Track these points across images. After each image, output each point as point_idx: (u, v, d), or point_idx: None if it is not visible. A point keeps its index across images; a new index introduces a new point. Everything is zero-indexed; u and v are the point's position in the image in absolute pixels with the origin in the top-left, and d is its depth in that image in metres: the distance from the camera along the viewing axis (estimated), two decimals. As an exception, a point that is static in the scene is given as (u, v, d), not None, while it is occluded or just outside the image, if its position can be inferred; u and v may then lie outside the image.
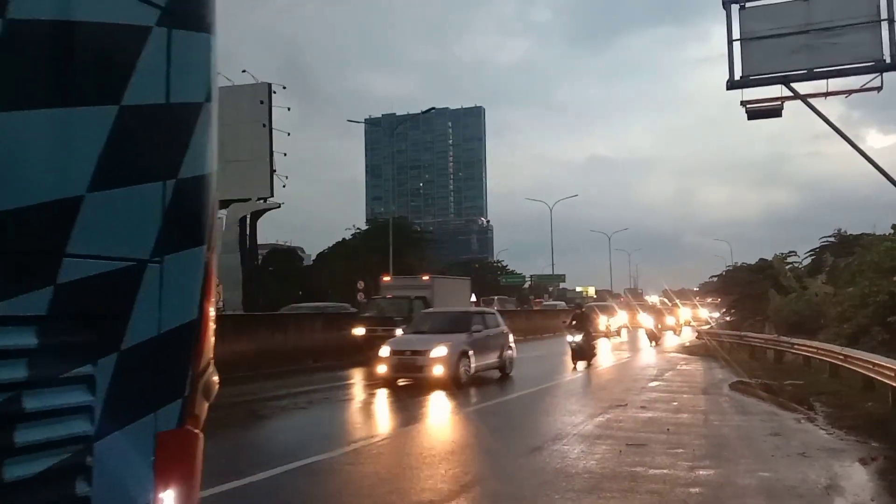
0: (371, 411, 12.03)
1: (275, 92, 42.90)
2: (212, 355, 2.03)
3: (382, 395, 13.26)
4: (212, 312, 2.01)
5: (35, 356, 1.58)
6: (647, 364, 20.84)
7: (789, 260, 31.01)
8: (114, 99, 1.68)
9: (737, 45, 16.49)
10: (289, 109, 45.06)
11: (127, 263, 1.72)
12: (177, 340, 1.84)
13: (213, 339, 2.03)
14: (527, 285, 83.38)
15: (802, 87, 16.44)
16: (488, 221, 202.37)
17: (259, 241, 49.69)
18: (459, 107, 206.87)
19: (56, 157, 1.57)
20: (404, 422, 10.51)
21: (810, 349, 16.41)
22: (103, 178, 1.64)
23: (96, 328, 1.68)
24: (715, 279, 46.96)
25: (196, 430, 1.94)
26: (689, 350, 25.73)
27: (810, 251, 35.42)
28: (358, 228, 63.09)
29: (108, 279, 1.67)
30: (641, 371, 18.53)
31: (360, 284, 40.30)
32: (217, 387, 2.07)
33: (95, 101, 1.65)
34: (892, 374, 10.23)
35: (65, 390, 1.64)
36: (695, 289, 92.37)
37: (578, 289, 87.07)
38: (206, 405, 2.02)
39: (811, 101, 16.52)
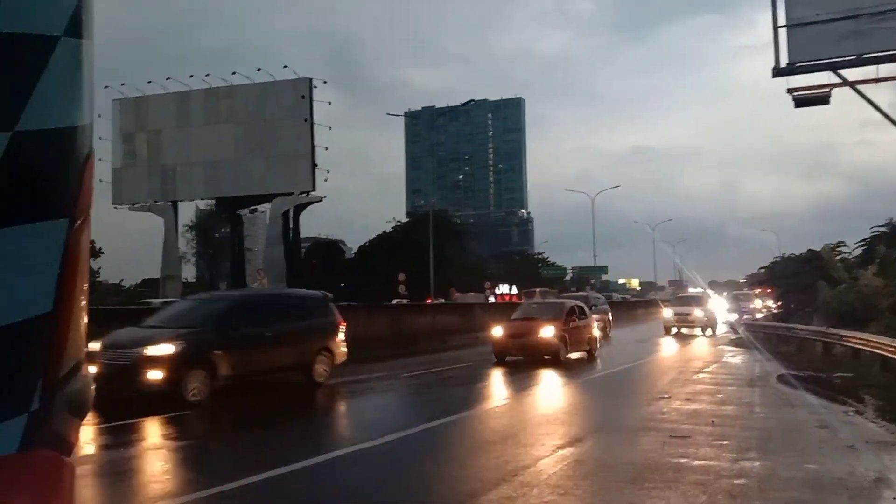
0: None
1: (315, 87, 43.38)
2: (83, 357, 1.54)
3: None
4: (82, 302, 1.54)
5: None
6: (693, 356, 20.61)
7: (839, 250, 30.29)
8: None
9: (782, 32, 16.12)
10: (329, 104, 45.48)
11: None
12: (15, 340, 1.40)
13: (83, 335, 1.55)
14: (568, 277, 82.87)
15: (851, 74, 16.03)
16: (529, 213, 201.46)
17: (302, 235, 50.49)
18: (499, 98, 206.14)
19: None
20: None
21: (860, 341, 16.05)
22: None
23: None
24: (763, 270, 46.08)
25: (58, 455, 1.46)
26: (735, 342, 25.34)
27: (861, 241, 34.51)
28: (398, 221, 63.54)
29: None
30: (686, 363, 18.35)
31: (401, 277, 40.68)
32: (92, 398, 1.56)
33: None
34: (946, 367, 9.97)
35: None
36: (741, 280, 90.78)
37: (621, 281, 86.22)
38: (78, 422, 1.50)
39: (860, 87, 16.09)
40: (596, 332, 19.97)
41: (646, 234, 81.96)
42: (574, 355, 18.18)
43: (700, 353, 21.54)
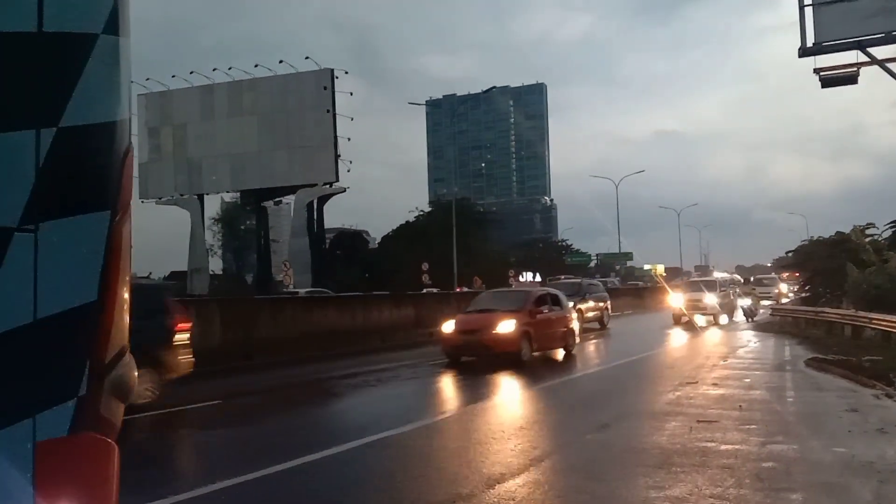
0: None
1: (337, 77, 43.49)
2: (126, 344, 1.68)
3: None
4: (124, 292, 1.67)
5: None
6: (720, 342, 20.47)
7: (868, 232, 29.70)
8: None
9: (808, 11, 15.86)
10: (351, 94, 45.76)
11: None
12: (64, 327, 1.51)
13: (126, 323, 1.68)
14: (593, 264, 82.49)
15: (880, 53, 15.74)
16: (552, 200, 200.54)
17: (326, 226, 50.77)
18: (521, 84, 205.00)
19: None
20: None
21: (890, 324, 15.83)
22: None
23: None
24: (790, 254, 45.37)
25: (104, 438, 1.59)
26: (762, 327, 25.11)
27: (891, 223, 33.85)
28: (421, 210, 63.60)
29: None
30: (714, 348, 18.24)
31: (425, 266, 40.80)
32: (135, 383, 1.71)
33: None
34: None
35: None
36: (768, 264, 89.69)
37: (647, 267, 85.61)
38: (122, 406, 1.66)
39: (890, 66, 15.79)
40: (574, 326, 16.83)
41: (671, 219, 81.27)
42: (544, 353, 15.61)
43: (707, 352, 21.28)
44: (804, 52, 16.02)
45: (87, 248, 1.56)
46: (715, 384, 11.26)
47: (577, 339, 17.00)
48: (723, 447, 6.87)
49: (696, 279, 38.95)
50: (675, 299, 30.54)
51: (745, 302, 32.28)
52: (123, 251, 1.64)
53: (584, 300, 25.10)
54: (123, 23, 1.64)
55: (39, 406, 1.47)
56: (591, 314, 25.61)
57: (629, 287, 59.23)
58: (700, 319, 28.45)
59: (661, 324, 27.54)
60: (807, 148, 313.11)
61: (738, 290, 34.67)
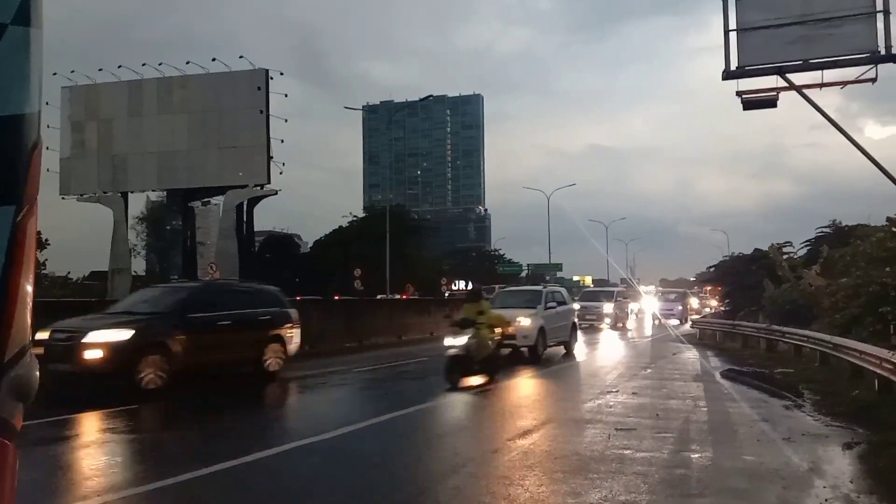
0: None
1: (272, 78, 42.77)
2: (28, 342, 1.60)
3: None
4: (28, 289, 1.60)
5: None
6: (640, 353, 21.01)
7: (785, 250, 31.17)
8: None
9: (733, 36, 16.52)
10: (286, 96, 44.86)
11: None
12: None
13: (27, 322, 1.60)
14: (524, 274, 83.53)
15: (800, 79, 16.51)
16: (486, 210, 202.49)
17: (256, 228, 49.73)
18: (459, 94, 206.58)
19: None
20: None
21: (801, 338, 16.58)
22: None
23: None
24: (712, 269, 47.09)
25: (3, 439, 1.52)
26: (684, 339, 25.92)
27: (806, 241, 35.63)
28: (355, 216, 63.21)
29: None
30: (634, 359, 18.70)
31: (357, 272, 40.50)
32: (37, 383, 1.62)
33: None
34: (878, 363, 10.39)
35: None
36: (691, 278, 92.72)
37: (576, 278, 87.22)
38: (21, 406, 1.58)
39: (807, 92, 16.59)
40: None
41: (600, 231, 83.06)
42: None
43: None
44: (728, 74, 16.66)
45: None
46: (635, 393, 11.54)
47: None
48: (638, 454, 7.03)
49: (593, 289, 43.62)
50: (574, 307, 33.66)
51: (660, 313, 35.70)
52: (28, 247, 1.56)
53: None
54: (35, 13, 1.57)
55: None
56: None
57: None
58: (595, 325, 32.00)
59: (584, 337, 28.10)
60: (732, 166, 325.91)
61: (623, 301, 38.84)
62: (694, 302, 51.76)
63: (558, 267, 67.44)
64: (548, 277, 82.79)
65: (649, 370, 15.41)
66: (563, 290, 20.66)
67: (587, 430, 8.39)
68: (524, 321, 16.50)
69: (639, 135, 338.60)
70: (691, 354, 19.90)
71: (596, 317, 32.78)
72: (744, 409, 10.16)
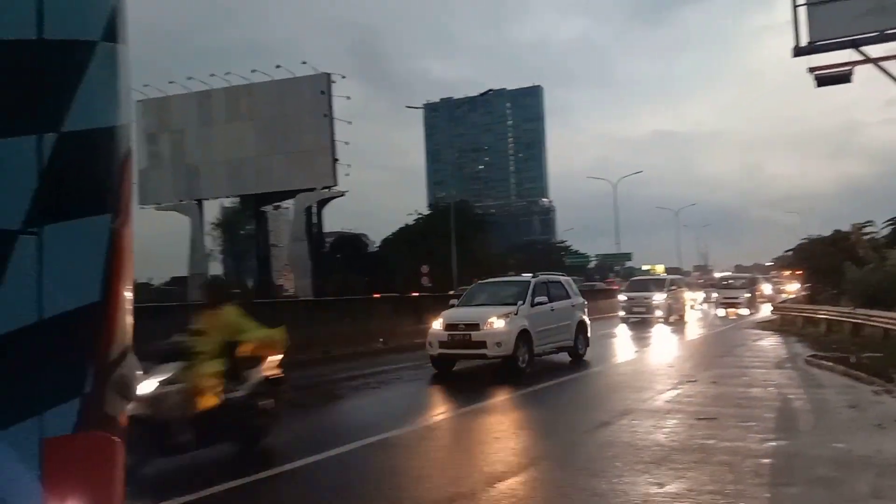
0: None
1: (334, 81, 43.56)
2: (129, 344, 1.72)
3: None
4: (127, 293, 1.70)
5: None
6: (719, 340, 20.54)
7: (866, 230, 29.79)
8: None
9: (802, 11, 15.95)
10: (349, 98, 45.72)
11: None
12: (68, 327, 1.54)
13: (129, 324, 1.71)
14: (592, 264, 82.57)
15: (875, 51, 15.80)
16: (550, 202, 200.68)
17: (326, 230, 50.82)
18: (518, 87, 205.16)
19: None
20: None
21: (889, 321, 15.90)
22: None
23: None
24: (790, 253, 45.34)
25: (108, 435, 1.63)
26: (762, 325, 25.18)
27: (889, 220, 33.93)
28: (420, 214, 63.63)
29: None
30: (712, 347, 18.30)
31: (425, 269, 40.84)
32: (137, 382, 1.75)
33: None
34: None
35: None
36: (768, 263, 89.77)
37: (646, 267, 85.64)
38: (126, 404, 1.70)
39: (884, 64, 15.87)
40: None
41: (669, 219, 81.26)
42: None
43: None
44: (798, 51, 16.10)
45: (89, 250, 1.59)
46: (714, 382, 11.32)
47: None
48: (722, 444, 6.93)
49: (642, 278, 37.49)
50: (621, 298, 30.24)
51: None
52: (125, 253, 1.67)
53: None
54: (121, 30, 1.67)
55: (46, 404, 1.50)
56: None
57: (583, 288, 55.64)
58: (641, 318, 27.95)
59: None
60: (802, 146, 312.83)
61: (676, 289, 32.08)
62: (766, 288, 47.02)
63: (627, 256, 66.38)
64: (617, 268, 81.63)
65: (728, 358, 15.05)
66: (565, 279, 16.36)
67: (666, 420, 8.30)
68: (496, 323, 12.90)
69: (703, 119, 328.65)
70: (772, 341, 19.33)
71: (645, 309, 28.29)
72: (830, 396, 9.84)
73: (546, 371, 13.38)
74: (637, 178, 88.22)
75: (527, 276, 15.56)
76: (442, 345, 13.29)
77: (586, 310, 16.05)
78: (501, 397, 10.80)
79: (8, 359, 1.45)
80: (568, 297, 15.49)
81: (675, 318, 28.91)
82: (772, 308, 30.85)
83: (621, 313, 28.96)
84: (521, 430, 8.51)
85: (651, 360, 16.14)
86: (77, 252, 1.57)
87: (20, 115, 1.48)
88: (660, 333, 22.98)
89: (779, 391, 10.38)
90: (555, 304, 14.49)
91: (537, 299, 14.01)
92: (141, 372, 1.68)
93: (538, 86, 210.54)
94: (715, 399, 9.72)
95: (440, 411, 10.11)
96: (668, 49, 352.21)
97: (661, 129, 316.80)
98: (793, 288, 47.02)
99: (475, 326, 13.05)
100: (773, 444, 6.94)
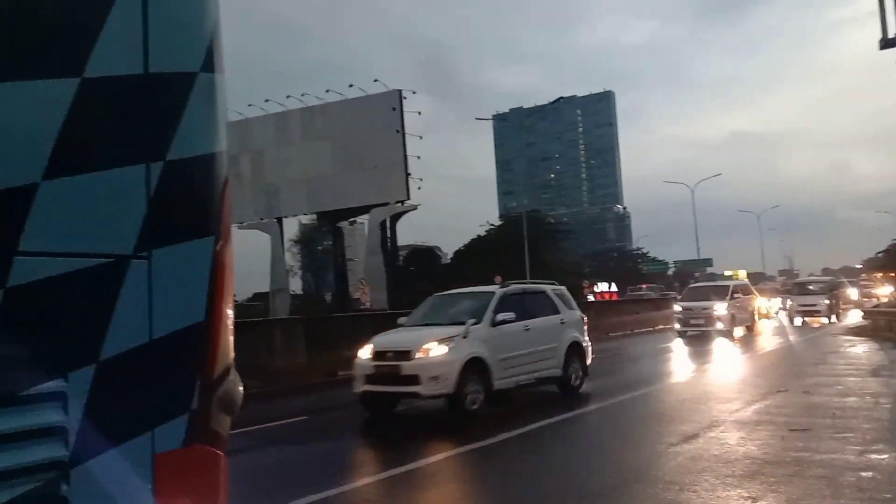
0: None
1: (405, 97, 44.25)
2: (231, 361, 1.78)
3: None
4: (228, 312, 1.76)
5: None
6: (807, 347, 19.73)
7: (968, 228, 28.02)
8: (73, 71, 1.45)
9: (889, 1, 15.28)
10: (419, 113, 46.42)
11: (101, 260, 1.49)
12: (176, 347, 1.60)
13: (231, 342, 1.78)
14: (671, 272, 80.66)
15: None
16: (625, 208, 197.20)
17: (399, 243, 51.48)
18: (588, 94, 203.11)
19: (1, 142, 1.36)
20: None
21: None
22: (63, 163, 1.42)
23: (64, 337, 1.44)
24: (881, 254, 43.04)
25: (214, 450, 1.69)
26: (853, 331, 24.03)
27: None
28: (491, 224, 63.64)
29: (76, 280, 1.45)
30: (801, 355, 17.60)
31: (497, 279, 40.76)
32: (241, 397, 1.81)
33: (49, 73, 1.42)
34: None
35: (26, 410, 1.40)
36: (857, 266, 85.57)
37: (728, 272, 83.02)
38: (229, 419, 1.76)
39: (981, 53, 15.01)
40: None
41: (751, 222, 78.55)
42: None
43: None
44: (886, 43, 15.43)
45: (194, 271, 1.65)
46: (806, 392, 10.91)
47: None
48: (818, 457, 6.69)
49: (701, 284, 31.87)
50: (676, 309, 26.33)
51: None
52: (227, 273, 1.74)
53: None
54: (218, 60, 1.74)
55: (157, 420, 1.56)
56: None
57: (630, 299, 51.68)
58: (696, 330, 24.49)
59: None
60: (891, 143, 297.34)
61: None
62: (852, 293, 42.66)
63: (708, 262, 64.51)
64: (697, 274, 79.52)
65: (820, 367, 14.46)
66: (549, 290, 12.71)
67: (757, 432, 8.06)
68: (434, 350, 9.82)
69: (783, 118, 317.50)
70: (865, 347, 18.43)
71: (704, 321, 24.55)
72: (934, 406, 9.34)
73: (638, 380, 13.14)
74: (715, 180, 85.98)
75: (489, 288, 12.12)
76: (368, 379, 10.16)
77: (584, 328, 12.84)
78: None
79: (122, 378, 1.51)
80: (557, 311, 12.34)
81: (743, 331, 25.64)
82: (862, 313, 29.28)
83: (677, 326, 25.71)
84: (607, 444, 8.41)
85: (748, 365, 15.65)
86: (183, 274, 1.63)
87: (129, 145, 1.55)
88: (722, 347, 20.79)
89: (876, 401, 9.91)
90: (531, 322, 11.43)
91: (501, 316, 10.79)
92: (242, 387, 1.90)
93: (609, 91, 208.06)
94: (808, 409, 9.37)
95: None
96: (742, 47, 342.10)
97: (738, 130, 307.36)
98: (886, 291, 44.27)
99: (406, 355, 9.91)
100: (875, 456, 6.65)
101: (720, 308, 24.70)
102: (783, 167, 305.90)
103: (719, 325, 24.40)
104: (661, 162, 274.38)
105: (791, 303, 34.04)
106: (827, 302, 32.22)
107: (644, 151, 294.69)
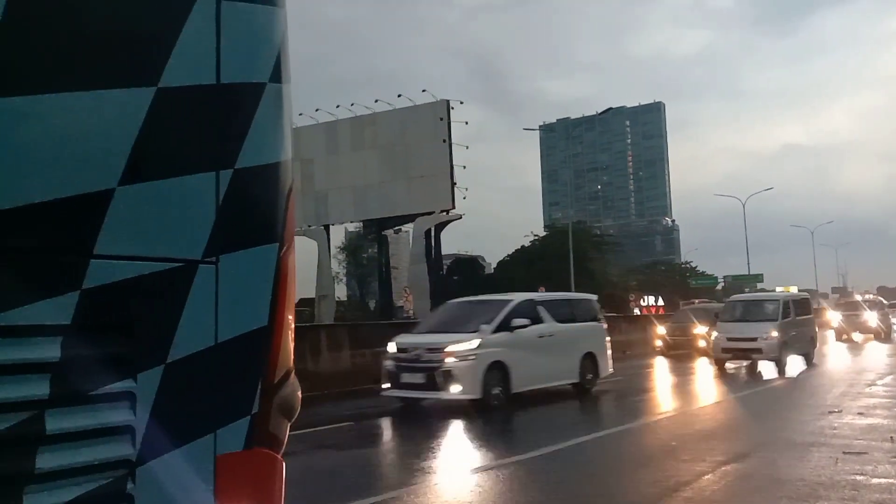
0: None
1: (453, 108, 44.49)
2: (291, 366, 1.81)
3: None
4: (289, 318, 1.78)
5: (58, 370, 1.38)
6: (862, 368, 19.09)
7: None
8: (149, 80, 1.49)
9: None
10: (466, 123, 46.72)
11: (171, 265, 1.53)
12: (240, 350, 1.63)
13: (291, 347, 1.80)
14: (720, 287, 78.99)
15: None
16: (673, 221, 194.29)
17: (443, 252, 51.66)
18: (637, 104, 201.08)
19: (81, 148, 1.39)
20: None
21: None
22: (137, 169, 1.46)
23: (135, 339, 1.47)
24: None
25: (272, 453, 1.71)
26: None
27: None
28: (536, 235, 63.38)
29: (147, 283, 1.48)
30: (856, 375, 17.04)
31: (541, 289, 40.51)
32: (299, 402, 1.84)
33: (126, 83, 1.46)
34: None
35: (96, 409, 1.44)
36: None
37: (779, 288, 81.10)
38: (287, 423, 1.79)
39: None
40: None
41: (804, 237, 76.52)
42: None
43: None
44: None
45: (259, 277, 1.68)
46: (861, 413, 10.56)
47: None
48: (874, 481, 6.47)
49: (741, 299, 22.98)
50: (701, 330, 22.74)
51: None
52: (289, 279, 1.75)
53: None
54: (285, 70, 1.77)
55: (219, 422, 1.59)
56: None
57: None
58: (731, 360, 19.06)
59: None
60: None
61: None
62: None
63: (758, 278, 62.95)
64: (746, 289, 77.80)
65: (875, 388, 13.98)
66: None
67: (810, 454, 7.84)
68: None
69: (839, 129, 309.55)
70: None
71: (746, 349, 18.40)
72: None
73: (679, 398, 12.88)
74: (767, 194, 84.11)
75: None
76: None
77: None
78: (628, 425, 10.43)
79: (187, 379, 1.53)
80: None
81: (807, 357, 19.60)
82: None
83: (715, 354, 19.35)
84: (653, 459, 8.28)
85: (800, 384, 15.23)
86: (249, 279, 1.66)
87: (200, 153, 1.58)
88: (770, 366, 18.15)
89: (937, 425, 9.54)
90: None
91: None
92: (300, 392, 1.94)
93: (660, 102, 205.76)
94: (864, 432, 9.07)
95: (568, 435, 9.90)
96: (797, 57, 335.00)
97: (792, 142, 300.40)
98: None
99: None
100: (935, 483, 6.41)
101: (767, 333, 18.10)
102: (838, 180, 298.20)
103: (770, 354, 18.10)
104: (712, 174, 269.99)
105: (840, 320, 33.03)
106: (878, 320, 31.48)
107: (694, 163, 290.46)
